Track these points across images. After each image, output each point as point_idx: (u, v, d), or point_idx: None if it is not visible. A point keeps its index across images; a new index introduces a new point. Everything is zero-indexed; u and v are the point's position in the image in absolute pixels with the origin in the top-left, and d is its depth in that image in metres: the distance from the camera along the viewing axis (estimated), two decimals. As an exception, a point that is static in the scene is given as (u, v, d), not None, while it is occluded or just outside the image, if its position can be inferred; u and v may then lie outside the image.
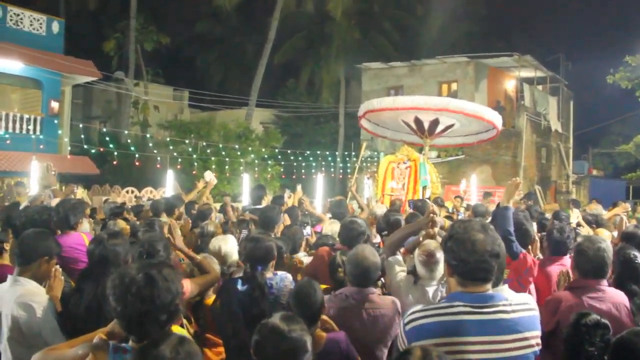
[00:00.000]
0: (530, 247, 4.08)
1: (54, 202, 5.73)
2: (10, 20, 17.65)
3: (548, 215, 7.57)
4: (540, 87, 24.33)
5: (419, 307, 2.27)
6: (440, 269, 3.54)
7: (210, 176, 8.81)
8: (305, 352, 2.24)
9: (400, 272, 3.69)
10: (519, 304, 2.25)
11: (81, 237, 4.44)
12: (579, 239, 3.40)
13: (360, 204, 8.45)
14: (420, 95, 13.38)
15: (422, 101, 11.26)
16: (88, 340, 2.30)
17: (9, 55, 16.19)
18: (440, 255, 3.51)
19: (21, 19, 18.01)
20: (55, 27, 19.03)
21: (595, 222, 6.71)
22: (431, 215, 3.26)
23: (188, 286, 3.58)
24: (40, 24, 18.56)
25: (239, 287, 3.51)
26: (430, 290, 3.49)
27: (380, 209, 6.99)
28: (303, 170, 22.89)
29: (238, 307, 3.45)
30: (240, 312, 3.44)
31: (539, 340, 2.21)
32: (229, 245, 4.44)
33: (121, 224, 5.63)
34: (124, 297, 2.14)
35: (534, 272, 3.23)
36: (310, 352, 2.26)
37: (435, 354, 1.83)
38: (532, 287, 4.10)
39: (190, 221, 6.67)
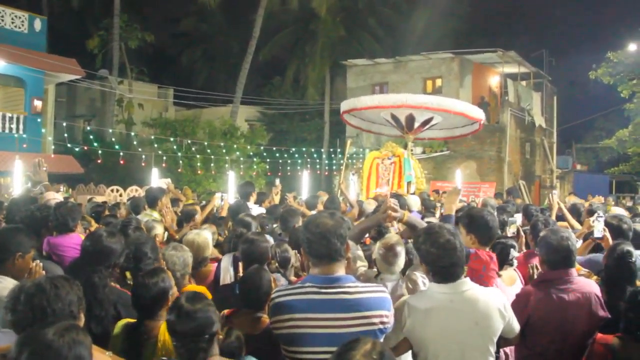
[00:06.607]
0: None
1: (46, 195, 5.71)
2: (-8, 18, 17.51)
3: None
4: (524, 83, 24.46)
5: (282, 286, 2.54)
6: (400, 263, 3.61)
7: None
8: (212, 324, 2.38)
9: (361, 266, 3.76)
10: (366, 287, 2.49)
11: (80, 237, 4.39)
12: (541, 233, 3.43)
13: (350, 201, 8.43)
14: (403, 93, 13.33)
15: (403, 99, 11.26)
16: None
17: (-9, 53, 16.05)
18: (400, 249, 3.60)
19: (2, 16, 17.84)
20: (38, 24, 18.87)
21: (577, 213, 6.48)
22: (388, 210, 3.28)
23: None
24: (22, 21, 18.40)
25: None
26: (390, 285, 3.48)
27: (370, 206, 7.00)
28: (289, 168, 22.90)
29: None
30: None
31: (384, 320, 2.41)
32: (202, 238, 4.50)
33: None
34: (15, 307, 2.19)
35: (493, 266, 3.27)
36: (217, 323, 2.42)
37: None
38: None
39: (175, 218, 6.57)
